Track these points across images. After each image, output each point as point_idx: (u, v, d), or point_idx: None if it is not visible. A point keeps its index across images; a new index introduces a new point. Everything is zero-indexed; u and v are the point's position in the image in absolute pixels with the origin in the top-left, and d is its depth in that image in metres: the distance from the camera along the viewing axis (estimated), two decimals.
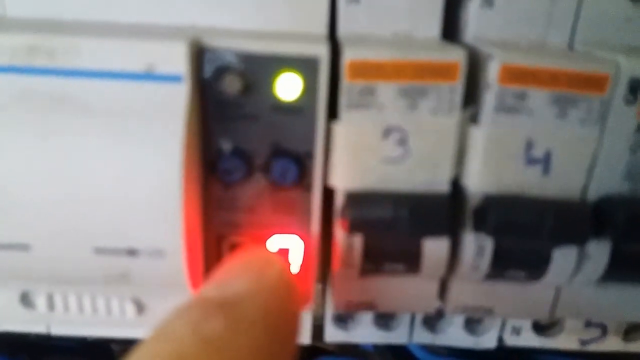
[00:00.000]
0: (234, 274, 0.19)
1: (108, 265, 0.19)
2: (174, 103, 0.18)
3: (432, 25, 0.23)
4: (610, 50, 0.22)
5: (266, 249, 0.22)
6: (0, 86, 0.18)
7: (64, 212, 0.18)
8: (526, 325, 0.26)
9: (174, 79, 0.18)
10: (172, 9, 0.23)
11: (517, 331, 0.26)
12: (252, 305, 0.17)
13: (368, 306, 0.23)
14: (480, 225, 0.21)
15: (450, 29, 0.24)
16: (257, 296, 0.17)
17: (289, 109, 0.21)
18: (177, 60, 0.18)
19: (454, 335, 0.26)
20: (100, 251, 0.19)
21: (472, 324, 0.26)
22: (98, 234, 0.19)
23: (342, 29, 0.23)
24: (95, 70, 0.18)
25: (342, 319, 0.26)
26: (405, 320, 0.26)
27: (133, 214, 0.19)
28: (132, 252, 0.19)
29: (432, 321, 0.26)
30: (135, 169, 0.18)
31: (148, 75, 0.18)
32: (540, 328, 0.26)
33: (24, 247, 0.19)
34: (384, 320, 0.26)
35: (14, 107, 0.18)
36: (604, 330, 0.26)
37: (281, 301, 0.18)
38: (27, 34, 0.18)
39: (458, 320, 0.26)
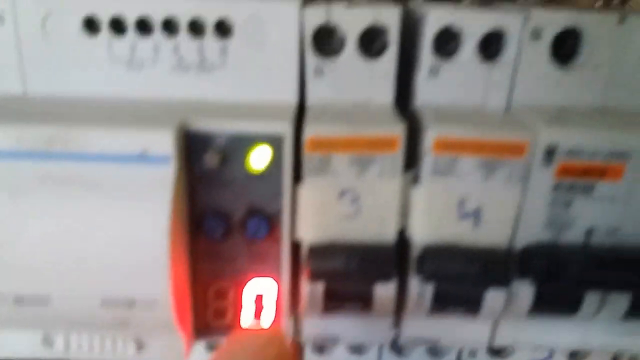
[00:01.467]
0: (239, 354, 0.22)
1: (112, 314, 0.24)
2: (164, 179, 0.23)
3: (386, 94, 0.27)
4: (542, 112, 0.25)
5: (266, 329, 0.25)
6: (24, 171, 0.23)
7: (77, 271, 0.23)
8: (481, 349, 0.30)
9: (163, 159, 0.23)
10: (164, 87, 0.27)
11: (473, 354, 0.30)
12: None
13: (333, 340, 0.27)
14: (420, 271, 0.25)
15: (406, 94, 0.28)
16: None
17: (260, 176, 0.25)
18: (166, 145, 0.23)
19: (418, 358, 0.30)
20: (105, 302, 0.24)
21: (434, 348, 0.30)
22: (104, 288, 0.23)
23: (310, 98, 0.27)
24: (101, 155, 0.23)
25: (320, 347, 0.30)
26: (374, 346, 0.30)
27: (132, 272, 0.23)
28: (131, 303, 0.24)
29: (399, 346, 0.30)
30: (134, 235, 0.23)
31: (143, 157, 0.23)
32: (494, 351, 0.30)
33: (45, 299, 0.24)
34: (356, 346, 0.30)
35: (36, 189, 0.23)
36: (551, 352, 0.30)
37: None
38: (46, 125, 0.23)
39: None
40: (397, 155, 0.24)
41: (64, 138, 0.23)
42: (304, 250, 0.26)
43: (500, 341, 0.27)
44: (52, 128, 0.23)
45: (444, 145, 0.24)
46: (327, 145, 0.24)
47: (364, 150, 0.24)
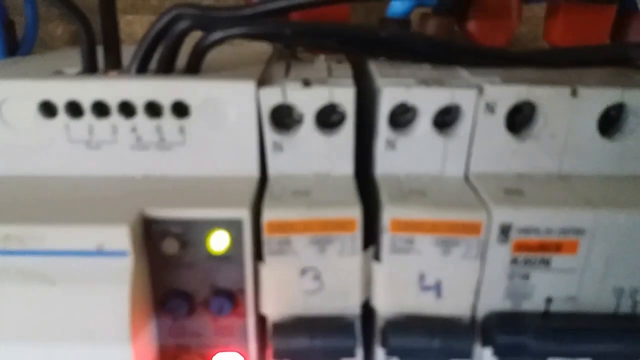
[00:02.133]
0: None
1: None
2: (121, 272, 0.23)
3: (346, 166, 0.27)
4: (499, 182, 0.26)
5: None
6: None
7: None
8: None
9: (120, 253, 0.23)
10: (123, 165, 0.27)
11: None
12: None
13: None
14: (385, 345, 0.25)
15: (367, 163, 0.28)
16: None
17: (221, 257, 0.25)
18: (123, 240, 0.23)
19: None
20: None
21: None
22: None
23: (271, 172, 0.27)
24: (58, 250, 0.23)
25: None
26: None
27: None
28: None
29: None
30: (91, 330, 0.23)
31: (99, 252, 0.23)
32: None
33: None
34: None
35: None
36: None
37: None
38: (2, 225, 0.23)
39: None
40: (356, 234, 0.24)
41: (19, 236, 0.23)
42: (269, 326, 0.26)
43: None
44: (8, 227, 0.23)
45: (401, 226, 0.24)
46: (285, 228, 0.24)
47: (322, 232, 0.24)
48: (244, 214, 0.24)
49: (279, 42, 0.29)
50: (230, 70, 0.28)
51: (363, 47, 0.26)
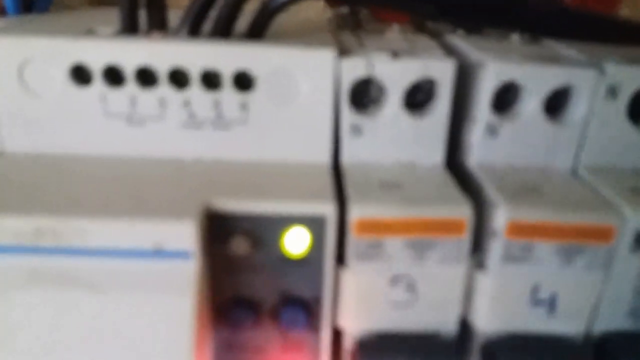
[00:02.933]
0: None
1: None
2: (182, 277, 0.18)
3: (435, 154, 0.23)
4: (615, 178, 0.22)
5: None
6: (9, 267, 0.18)
7: None
8: None
9: (182, 255, 0.18)
10: (172, 145, 0.23)
11: None
12: None
13: None
14: None
15: (452, 150, 0.24)
16: None
17: (296, 261, 0.21)
18: (187, 238, 0.18)
19: None
20: None
21: None
22: None
23: (346, 159, 0.23)
24: (102, 250, 0.18)
25: None
26: None
27: None
28: None
29: None
30: (144, 345, 0.18)
31: (157, 253, 0.18)
32: None
33: None
34: None
35: (24, 287, 0.18)
36: None
37: None
38: (32, 216, 0.18)
39: None
40: (464, 239, 0.20)
41: (54, 230, 0.18)
42: (348, 342, 0.22)
43: None
44: (38, 219, 0.18)
45: (519, 230, 0.20)
46: (379, 229, 0.20)
47: (423, 234, 0.20)
48: (328, 210, 0.20)
49: (369, 5, 0.25)
50: (295, 38, 0.24)
51: (468, 14, 0.21)
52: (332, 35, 0.26)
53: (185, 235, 0.18)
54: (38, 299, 0.18)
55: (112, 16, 0.27)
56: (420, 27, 0.29)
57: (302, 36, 0.25)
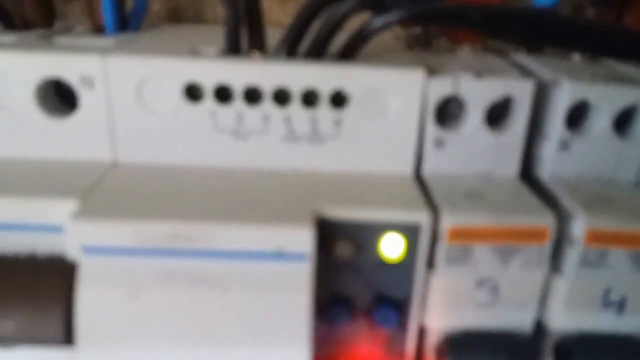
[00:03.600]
0: None
1: None
2: (300, 277, 0.21)
3: (511, 166, 0.25)
4: None
5: None
6: (145, 268, 0.20)
7: None
8: None
9: (300, 257, 0.21)
10: (273, 157, 0.25)
11: None
12: None
13: None
14: None
15: (524, 163, 0.26)
16: None
17: (391, 264, 0.23)
18: (304, 242, 0.20)
19: None
20: None
21: None
22: None
23: (427, 170, 0.25)
24: (231, 252, 0.20)
25: None
26: None
27: None
28: None
29: None
30: (265, 337, 0.21)
31: (278, 255, 0.21)
32: None
33: None
34: None
35: (158, 287, 0.20)
36: None
37: None
38: (168, 222, 0.20)
39: None
40: (545, 246, 0.22)
41: (188, 235, 0.20)
42: (432, 339, 0.24)
43: None
44: (174, 224, 0.20)
45: (597, 237, 0.22)
46: (469, 236, 0.22)
47: (509, 241, 0.22)
48: (423, 218, 0.22)
49: (459, 26, 0.27)
50: (378, 58, 0.26)
51: (549, 35, 0.23)
52: (407, 53, 0.28)
53: (303, 239, 0.20)
54: (172, 296, 0.21)
55: (204, 34, 0.29)
56: (484, 45, 0.31)
57: (383, 57, 0.27)
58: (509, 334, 0.23)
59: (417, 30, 0.30)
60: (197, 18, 0.38)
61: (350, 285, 0.23)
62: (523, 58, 0.29)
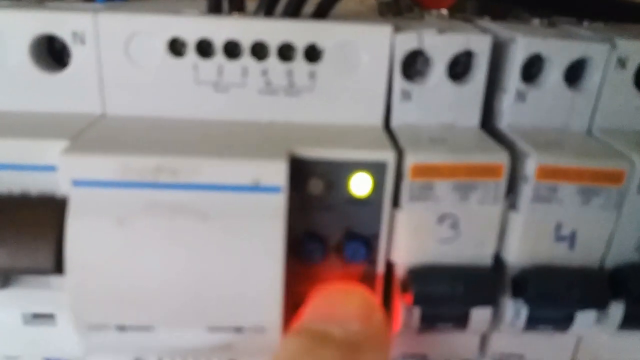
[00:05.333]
0: (341, 315, 0.23)
1: (218, 341, 0.23)
2: (275, 207, 0.23)
3: (473, 117, 0.27)
4: (624, 136, 0.26)
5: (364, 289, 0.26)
6: (131, 199, 0.22)
7: (184, 300, 0.23)
8: None
9: (274, 189, 0.22)
10: (252, 109, 0.27)
11: None
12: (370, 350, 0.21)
13: (421, 357, 0.28)
14: (518, 293, 0.25)
15: (485, 116, 0.28)
16: (373, 342, 0.22)
17: (359, 201, 0.25)
18: (278, 175, 0.22)
19: None
20: (212, 330, 0.23)
21: None
22: (212, 316, 0.23)
23: (395, 121, 0.27)
24: (211, 184, 0.22)
25: None
26: None
27: (240, 299, 0.23)
28: (238, 330, 0.23)
29: None
30: (243, 263, 0.22)
31: (254, 188, 0.22)
32: None
33: (149, 329, 0.23)
34: None
35: (143, 216, 0.22)
36: None
37: (387, 348, 0.23)
38: (153, 155, 0.22)
39: None
40: (501, 182, 0.24)
41: (172, 168, 0.22)
42: (399, 273, 0.26)
43: (581, 357, 0.28)
44: (159, 158, 0.22)
45: (546, 174, 0.24)
46: (430, 173, 0.24)
47: (467, 177, 0.24)
48: (389, 157, 0.24)
49: None
50: (353, 19, 0.28)
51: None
52: (381, 18, 0.30)
53: (278, 172, 0.22)
54: (155, 226, 0.22)
55: (188, 2, 0.31)
56: (451, 16, 0.34)
57: (356, 18, 0.29)
58: (469, 267, 0.25)
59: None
60: None
61: (323, 223, 0.25)
62: (486, 23, 0.31)
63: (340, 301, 0.25)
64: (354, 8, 0.34)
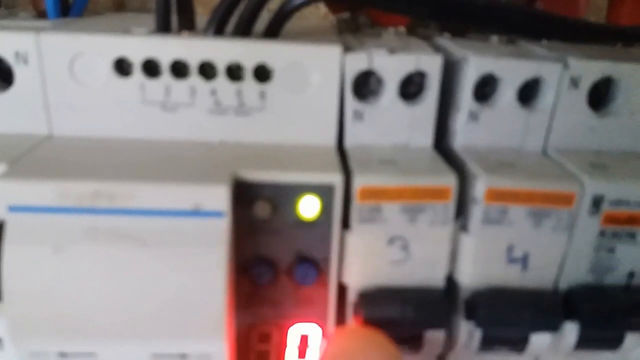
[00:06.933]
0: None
1: None
2: (216, 233, 0.22)
3: (425, 137, 0.27)
4: (578, 156, 0.26)
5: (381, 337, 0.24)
6: (69, 225, 0.22)
7: (126, 326, 0.22)
8: None
9: (217, 214, 0.22)
10: (200, 129, 0.26)
11: None
12: None
13: None
14: (470, 315, 0.25)
15: (440, 135, 0.28)
16: None
17: (308, 224, 0.24)
18: (220, 200, 0.22)
19: None
20: (156, 356, 0.23)
21: None
22: (155, 342, 0.22)
23: (349, 141, 0.27)
24: (150, 210, 0.22)
25: None
26: None
27: (184, 326, 0.22)
28: (183, 357, 0.23)
29: None
30: (185, 290, 0.22)
31: (195, 213, 0.22)
32: None
33: (91, 355, 0.23)
34: None
35: (81, 242, 0.22)
36: None
37: None
38: (90, 181, 0.22)
39: None
40: (450, 204, 0.24)
41: (109, 193, 0.22)
42: (352, 296, 0.25)
43: None
44: (96, 183, 0.22)
45: (496, 196, 0.24)
46: (377, 195, 0.24)
47: (415, 200, 0.24)
48: (336, 179, 0.23)
49: (368, 6, 0.29)
50: (305, 38, 0.28)
51: (455, 15, 0.25)
52: (336, 36, 0.30)
53: (219, 197, 0.22)
54: (94, 252, 0.22)
55: (141, 20, 0.31)
56: (412, 32, 0.33)
57: (310, 37, 0.28)
58: (421, 289, 0.25)
59: (345, 14, 0.32)
60: (143, 8, 0.39)
61: (272, 246, 0.25)
62: (444, 41, 0.31)
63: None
64: (314, 24, 0.34)
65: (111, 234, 0.22)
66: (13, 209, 0.22)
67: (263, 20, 0.27)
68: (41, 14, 0.31)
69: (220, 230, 0.22)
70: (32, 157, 0.24)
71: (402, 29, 0.32)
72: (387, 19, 0.32)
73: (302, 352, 0.26)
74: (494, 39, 0.31)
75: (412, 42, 0.29)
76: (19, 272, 0.22)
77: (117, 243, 0.22)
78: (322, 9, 0.37)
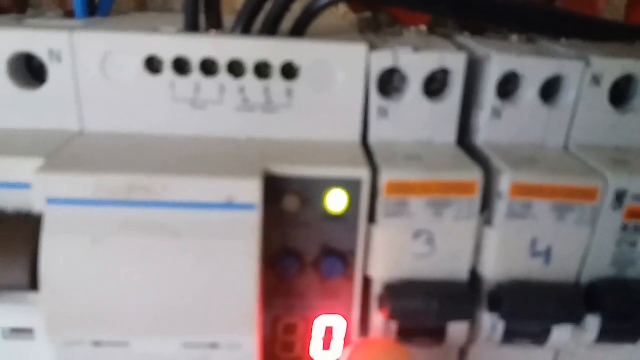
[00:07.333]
0: None
1: (194, 356, 0.23)
2: (248, 225, 0.23)
3: (449, 133, 0.28)
4: (599, 153, 0.27)
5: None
6: (105, 217, 0.22)
7: (159, 316, 0.23)
8: None
9: (249, 207, 0.23)
10: (229, 126, 0.27)
11: None
12: None
13: None
14: (494, 308, 0.25)
15: (462, 132, 0.28)
16: None
17: (335, 217, 0.25)
18: (253, 193, 0.22)
19: None
20: (188, 345, 0.23)
21: None
22: (187, 332, 0.23)
23: (373, 137, 0.27)
24: (184, 202, 0.22)
25: None
26: None
27: (216, 316, 0.23)
28: (214, 346, 0.23)
29: None
30: (217, 280, 0.23)
31: (228, 205, 0.22)
32: None
33: (124, 344, 0.23)
34: None
35: (116, 234, 0.22)
36: None
37: None
38: (126, 174, 0.22)
39: None
40: (475, 199, 0.24)
41: (145, 186, 0.22)
42: (377, 288, 0.26)
43: None
44: (131, 177, 0.22)
45: (520, 191, 0.24)
46: (404, 189, 0.24)
47: (441, 194, 0.24)
48: (364, 174, 0.24)
49: (391, 5, 0.29)
50: (330, 37, 0.28)
51: (476, 13, 0.26)
52: (359, 35, 0.30)
53: (252, 190, 0.22)
54: (129, 244, 0.22)
55: (167, 19, 0.31)
56: (431, 31, 0.34)
57: (334, 36, 0.29)
58: (446, 282, 0.25)
59: (367, 14, 0.32)
60: (165, 8, 0.40)
61: (299, 239, 0.25)
62: (465, 40, 0.31)
63: None
64: (335, 23, 0.35)
65: (146, 226, 0.22)
66: (51, 201, 0.22)
67: (287, 20, 0.28)
68: (68, 14, 0.32)
69: (252, 222, 0.23)
70: (67, 152, 0.24)
71: (423, 27, 0.33)
72: (408, 17, 0.33)
73: (327, 343, 0.27)
74: (514, 37, 0.32)
75: (434, 40, 0.30)
76: (56, 264, 0.22)
77: (151, 235, 0.22)
78: (342, 8, 0.37)
